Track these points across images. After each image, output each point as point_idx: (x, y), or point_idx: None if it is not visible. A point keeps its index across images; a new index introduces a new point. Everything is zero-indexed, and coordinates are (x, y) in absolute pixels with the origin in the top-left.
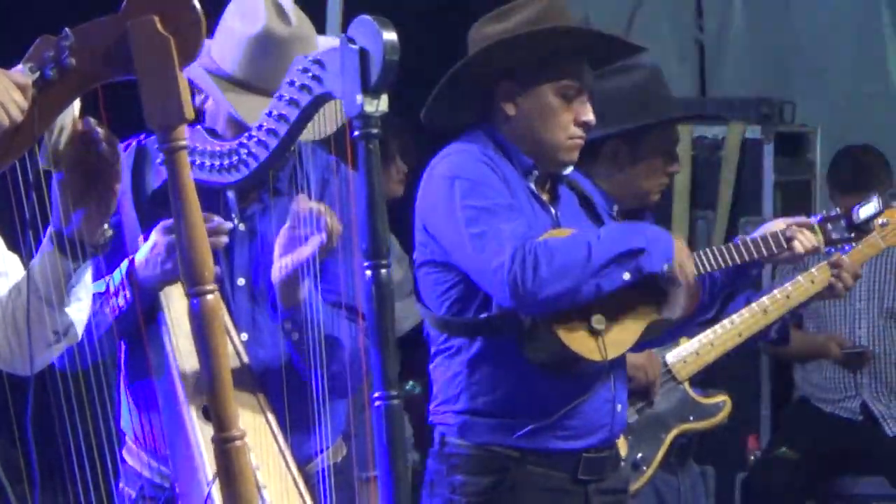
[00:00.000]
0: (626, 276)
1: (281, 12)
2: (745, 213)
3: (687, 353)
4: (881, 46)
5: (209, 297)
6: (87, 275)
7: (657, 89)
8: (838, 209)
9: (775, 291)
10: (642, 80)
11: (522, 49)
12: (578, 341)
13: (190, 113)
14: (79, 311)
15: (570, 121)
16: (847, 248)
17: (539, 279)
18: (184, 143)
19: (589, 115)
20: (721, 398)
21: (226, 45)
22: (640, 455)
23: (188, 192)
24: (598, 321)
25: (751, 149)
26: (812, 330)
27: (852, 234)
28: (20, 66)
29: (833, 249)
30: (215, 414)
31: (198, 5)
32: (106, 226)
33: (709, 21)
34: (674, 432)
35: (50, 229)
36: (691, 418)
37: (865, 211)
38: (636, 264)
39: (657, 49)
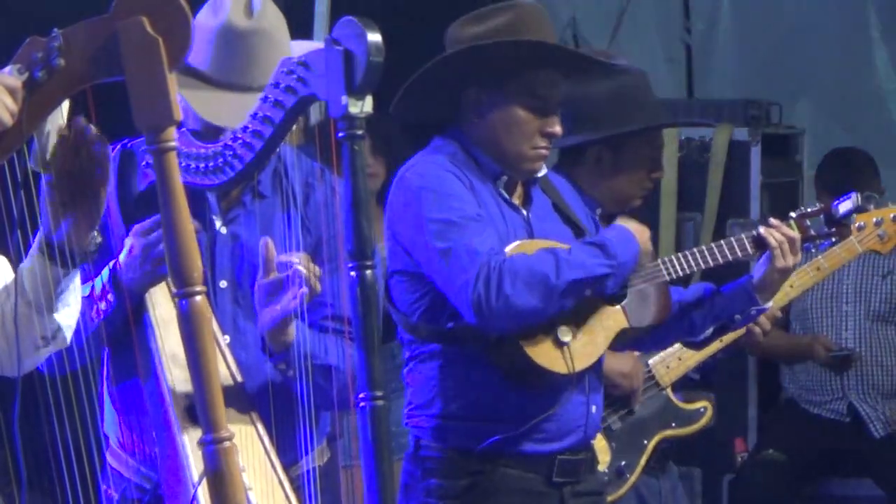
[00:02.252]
0: (588, 292)
1: (247, 6)
2: (732, 214)
3: (670, 359)
4: (868, 48)
5: (197, 298)
6: (76, 280)
7: (642, 95)
8: (818, 204)
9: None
10: (627, 86)
11: (491, 57)
12: (544, 354)
13: (178, 114)
14: (67, 316)
15: (535, 132)
16: (825, 244)
17: (503, 297)
18: (173, 144)
19: (555, 127)
20: (702, 404)
21: (195, 41)
22: (623, 462)
23: (177, 193)
24: (564, 333)
25: (738, 150)
26: (799, 331)
27: (832, 230)
28: (8, 68)
29: (811, 246)
30: (204, 415)
31: (186, 6)
32: (95, 232)
33: (696, 23)
34: (656, 438)
35: (39, 234)
36: (673, 424)
37: (844, 206)
38: (601, 287)
39: (644, 50)
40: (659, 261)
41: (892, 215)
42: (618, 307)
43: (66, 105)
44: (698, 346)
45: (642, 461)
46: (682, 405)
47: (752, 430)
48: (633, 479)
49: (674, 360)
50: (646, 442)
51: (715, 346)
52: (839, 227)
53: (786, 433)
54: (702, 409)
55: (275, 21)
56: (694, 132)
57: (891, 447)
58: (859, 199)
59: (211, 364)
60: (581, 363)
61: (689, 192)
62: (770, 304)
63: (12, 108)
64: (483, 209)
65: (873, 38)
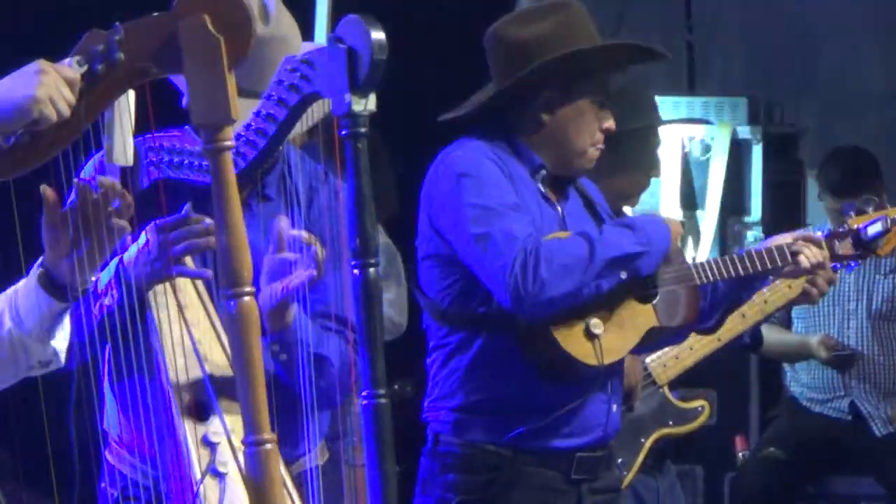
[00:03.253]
0: (624, 274)
1: (262, 11)
2: (734, 213)
3: (667, 357)
4: (870, 46)
5: (246, 298)
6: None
7: (639, 94)
8: (846, 225)
9: (753, 296)
10: (624, 85)
11: (583, 61)
12: (575, 345)
13: (236, 114)
14: (62, 339)
15: (597, 128)
16: (853, 265)
17: (540, 281)
18: (229, 143)
19: (611, 122)
20: (700, 403)
21: None
22: (620, 460)
23: (231, 192)
24: (595, 325)
25: (740, 149)
26: (801, 330)
27: (859, 251)
28: (68, 60)
29: (839, 266)
30: (247, 416)
31: (248, 6)
32: (93, 277)
33: (698, 21)
34: (653, 437)
35: (38, 267)
36: (670, 423)
37: (874, 229)
38: (634, 267)
39: None
40: (691, 264)
41: (890, 218)
42: (648, 306)
43: (132, 95)
44: (710, 330)
45: (639, 459)
46: (680, 404)
47: (754, 429)
48: (630, 476)
49: (671, 360)
50: (643, 440)
51: (713, 346)
52: (866, 249)
53: (787, 431)
54: (699, 408)
55: (290, 26)
56: (696, 130)
57: (893, 446)
58: (889, 222)
59: (257, 365)
60: (610, 357)
61: (692, 191)
62: (778, 281)
63: (70, 99)
64: (521, 199)
65: (875, 36)
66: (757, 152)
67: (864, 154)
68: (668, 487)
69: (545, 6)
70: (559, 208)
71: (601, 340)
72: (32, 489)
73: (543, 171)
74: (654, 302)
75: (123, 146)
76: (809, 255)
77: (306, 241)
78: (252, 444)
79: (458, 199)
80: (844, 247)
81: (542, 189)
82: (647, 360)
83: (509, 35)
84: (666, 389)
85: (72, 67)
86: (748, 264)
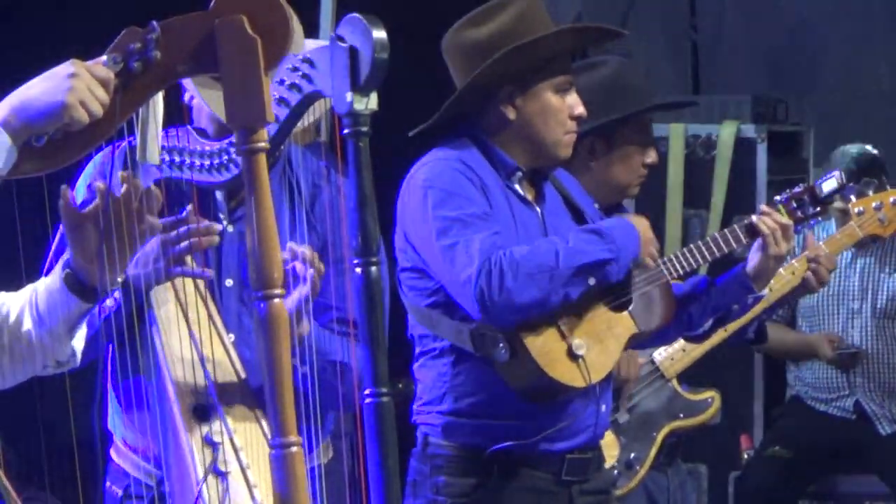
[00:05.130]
0: (592, 281)
1: None
2: (738, 211)
3: (674, 351)
4: (874, 46)
5: (276, 300)
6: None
7: (626, 81)
8: (802, 184)
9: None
10: (610, 74)
11: (530, 53)
12: (561, 370)
13: (271, 116)
14: (80, 338)
15: (566, 116)
16: (813, 223)
17: (506, 290)
18: (263, 144)
19: (581, 108)
20: (709, 395)
21: None
22: (633, 455)
23: (264, 194)
24: (578, 346)
25: (744, 147)
26: (805, 329)
27: (817, 209)
28: (104, 58)
29: (800, 227)
30: (274, 419)
31: (286, 6)
32: (120, 278)
33: (702, 20)
34: (665, 430)
35: (63, 267)
36: (681, 415)
37: (828, 185)
38: (603, 274)
39: (650, 48)
40: (660, 261)
41: (891, 199)
42: (625, 314)
43: (160, 98)
44: (699, 339)
45: (652, 453)
46: (689, 396)
47: (759, 427)
48: (643, 471)
49: (678, 352)
50: (654, 434)
51: (720, 336)
52: (824, 205)
53: (792, 430)
54: (709, 400)
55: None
56: (700, 129)
57: None
58: (843, 176)
59: (285, 368)
60: (597, 375)
61: (695, 189)
62: (766, 291)
63: (103, 98)
64: (494, 209)
65: (880, 34)
66: (761, 151)
67: (869, 151)
68: (679, 485)
69: (496, 4)
70: (538, 209)
71: (586, 360)
72: (35, 488)
73: (519, 173)
74: (630, 309)
75: (154, 145)
76: (767, 221)
77: (297, 251)
78: (279, 446)
79: (426, 212)
80: (803, 207)
81: (519, 191)
82: (655, 354)
83: (463, 38)
84: (675, 382)
85: (106, 66)
86: (713, 247)
